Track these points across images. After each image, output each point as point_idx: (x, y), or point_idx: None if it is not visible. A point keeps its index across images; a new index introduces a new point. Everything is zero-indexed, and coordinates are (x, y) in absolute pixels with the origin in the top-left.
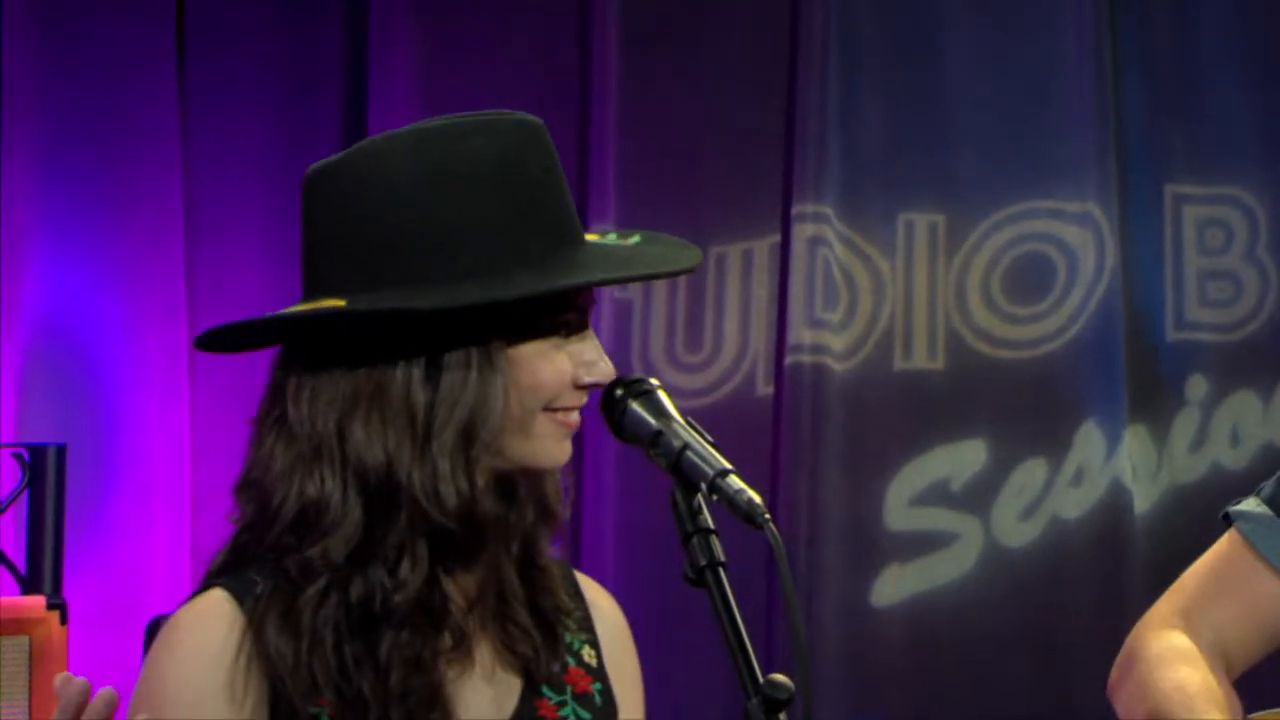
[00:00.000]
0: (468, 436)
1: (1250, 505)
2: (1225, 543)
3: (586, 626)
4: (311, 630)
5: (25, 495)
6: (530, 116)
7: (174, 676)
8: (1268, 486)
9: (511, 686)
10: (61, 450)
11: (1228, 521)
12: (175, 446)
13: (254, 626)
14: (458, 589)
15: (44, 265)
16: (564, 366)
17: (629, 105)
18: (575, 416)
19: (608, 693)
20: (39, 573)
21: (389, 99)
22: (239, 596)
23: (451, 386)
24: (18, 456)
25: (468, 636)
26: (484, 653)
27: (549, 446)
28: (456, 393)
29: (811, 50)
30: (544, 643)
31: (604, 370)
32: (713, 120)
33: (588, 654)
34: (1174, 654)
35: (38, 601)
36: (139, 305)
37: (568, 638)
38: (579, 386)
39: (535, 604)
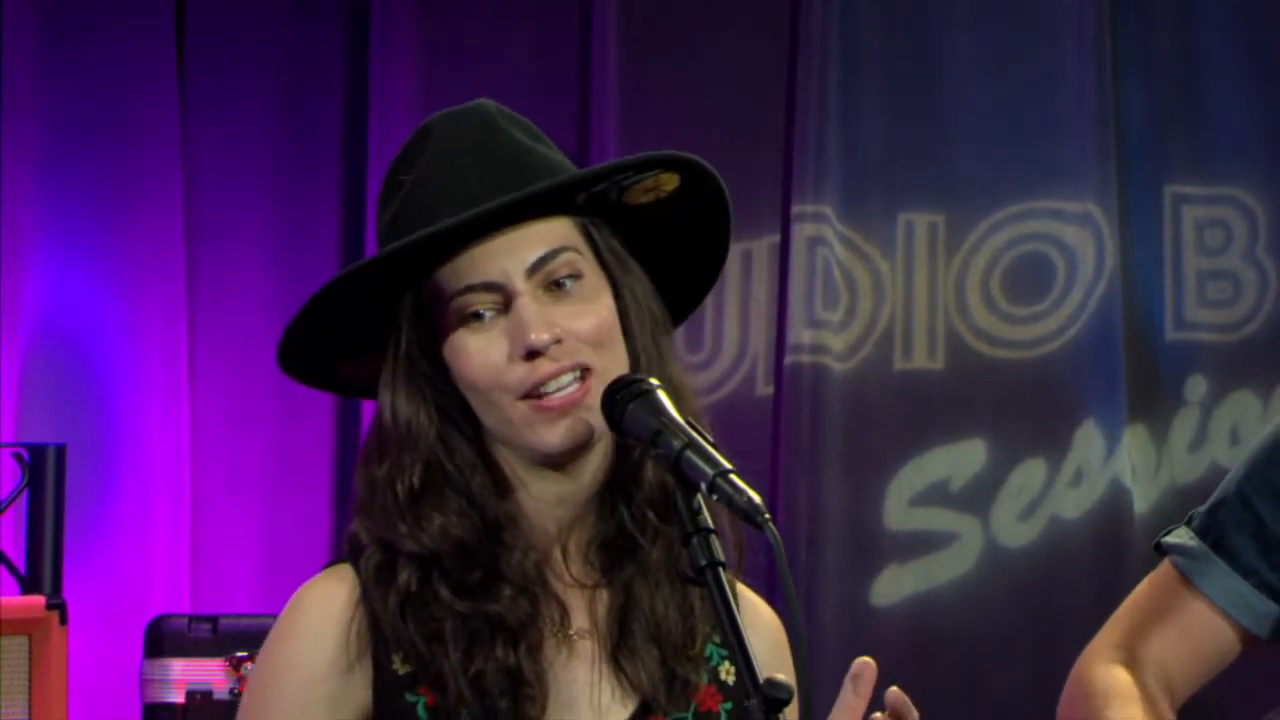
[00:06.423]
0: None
1: (1183, 537)
2: (1162, 576)
3: None
4: (417, 608)
5: (25, 495)
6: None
7: (296, 644)
8: (1200, 516)
9: (626, 701)
10: (61, 450)
11: (1160, 551)
12: (175, 447)
13: (365, 596)
14: (580, 603)
15: (44, 266)
16: (492, 352)
17: (629, 105)
18: (554, 399)
19: (738, 713)
20: (38, 573)
21: (390, 101)
22: (358, 568)
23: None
24: (17, 456)
25: (572, 640)
26: (600, 661)
27: (531, 434)
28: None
29: (811, 50)
30: (663, 677)
31: (526, 334)
32: (712, 120)
33: (725, 671)
34: (1121, 691)
35: (37, 601)
36: (139, 305)
37: (708, 649)
38: (525, 358)
39: (660, 635)
